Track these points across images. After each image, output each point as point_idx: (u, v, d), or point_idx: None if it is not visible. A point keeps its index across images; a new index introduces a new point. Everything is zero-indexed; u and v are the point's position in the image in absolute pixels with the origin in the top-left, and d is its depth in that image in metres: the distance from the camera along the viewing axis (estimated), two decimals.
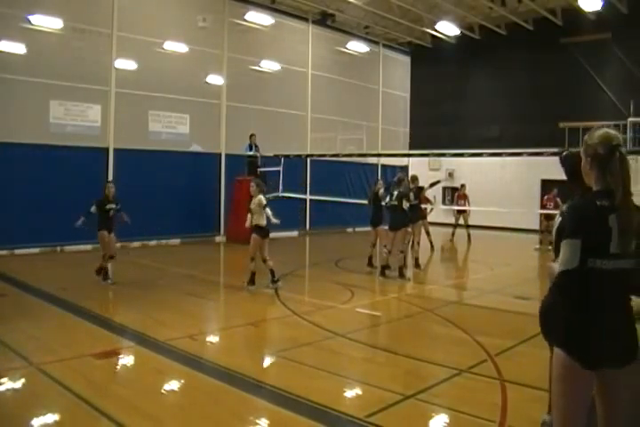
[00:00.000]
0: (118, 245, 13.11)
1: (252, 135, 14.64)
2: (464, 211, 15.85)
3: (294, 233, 17.37)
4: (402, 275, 9.55)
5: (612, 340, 2.26)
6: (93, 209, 8.38)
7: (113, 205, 8.59)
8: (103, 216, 8.49)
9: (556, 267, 2.34)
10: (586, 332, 2.27)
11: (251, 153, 14.58)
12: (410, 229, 10.33)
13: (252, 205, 8.37)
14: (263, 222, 8.32)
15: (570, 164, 3.02)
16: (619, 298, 2.31)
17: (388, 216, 9.93)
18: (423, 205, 12.05)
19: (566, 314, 2.32)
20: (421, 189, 11.03)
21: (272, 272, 8.44)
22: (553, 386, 2.38)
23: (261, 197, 8.35)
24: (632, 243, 2.27)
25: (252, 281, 8.41)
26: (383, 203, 9.93)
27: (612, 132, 2.37)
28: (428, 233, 13.56)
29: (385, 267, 9.73)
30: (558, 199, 13.36)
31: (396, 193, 9.65)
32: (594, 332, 2.26)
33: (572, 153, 3.03)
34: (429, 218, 13.99)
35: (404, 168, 20.93)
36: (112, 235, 8.70)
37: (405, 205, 9.58)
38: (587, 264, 2.24)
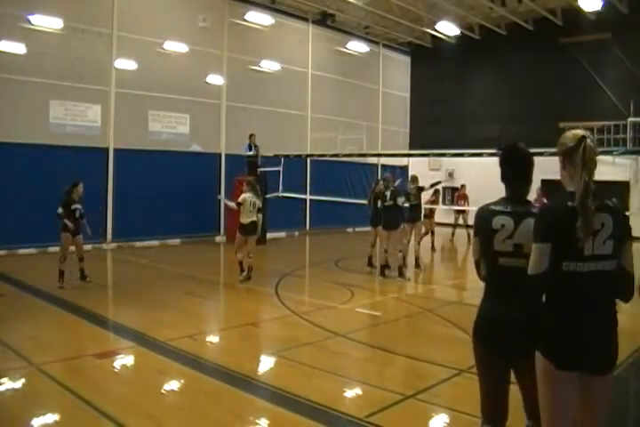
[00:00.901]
0: (114, 245, 13.22)
1: (251, 135, 14.63)
2: (463, 211, 15.87)
3: (294, 233, 17.37)
4: (401, 275, 9.56)
5: (589, 342, 2.22)
6: (60, 211, 8.00)
7: (78, 206, 8.21)
8: (69, 215, 8.09)
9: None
10: (559, 333, 2.25)
11: (250, 153, 14.58)
12: (407, 229, 10.46)
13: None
14: (244, 221, 8.84)
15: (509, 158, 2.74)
16: (598, 300, 2.25)
17: (382, 216, 9.90)
18: (430, 206, 12.08)
19: (544, 316, 2.30)
20: (421, 189, 11.04)
21: (249, 268, 8.92)
22: (538, 388, 2.35)
23: (244, 196, 8.88)
24: (609, 243, 2.21)
25: (241, 270, 8.92)
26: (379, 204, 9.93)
27: (583, 131, 2.35)
28: (432, 233, 13.58)
29: (384, 267, 9.74)
30: (544, 199, 13.26)
31: (389, 193, 9.64)
32: (567, 333, 2.23)
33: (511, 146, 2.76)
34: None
35: (404, 168, 20.94)
36: (79, 237, 8.28)
37: (400, 201, 9.54)
38: (561, 268, 2.20)
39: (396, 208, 9.58)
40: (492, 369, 2.67)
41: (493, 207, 2.65)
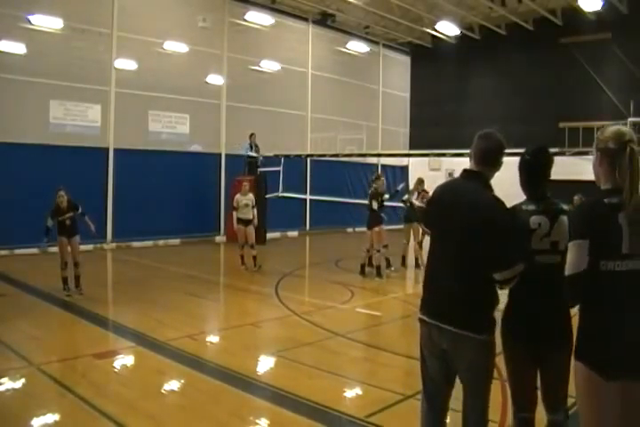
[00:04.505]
0: (113, 245, 13.21)
1: (251, 135, 14.64)
2: None
3: (294, 233, 17.37)
4: (362, 272, 9.72)
5: (634, 347, 2.10)
6: (50, 223, 7.74)
7: (68, 214, 7.84)
8: (60, 224, 7.85)
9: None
10: (604, 340, 2.12)
11: (251, 153, 14.58)
12: (404, 229, 10.81)
13: None
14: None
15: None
16: (638, 301, 2.14)
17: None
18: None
19: (581, 321, 2.20)
20: (427, 192, 11.03)
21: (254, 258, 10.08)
22: (578, 402, 2.23)
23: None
24: None
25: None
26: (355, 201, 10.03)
27: (625, 128, 2.30)
28: (425, 233, 13.57)
29: (363, 265, 9.86)
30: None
31: (369, 193, 9.70)
32: (612, 340, 2.11)
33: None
34: None
35: (404, 168, 20.93)
36: (75, 239, 7.95)
37: (374, 204, 9.53)
38: (599, 267, 2.11)
39: (371, 209, 9.58)
40: (522, 361, 2.75)
41: (525, 207, 2.77)
